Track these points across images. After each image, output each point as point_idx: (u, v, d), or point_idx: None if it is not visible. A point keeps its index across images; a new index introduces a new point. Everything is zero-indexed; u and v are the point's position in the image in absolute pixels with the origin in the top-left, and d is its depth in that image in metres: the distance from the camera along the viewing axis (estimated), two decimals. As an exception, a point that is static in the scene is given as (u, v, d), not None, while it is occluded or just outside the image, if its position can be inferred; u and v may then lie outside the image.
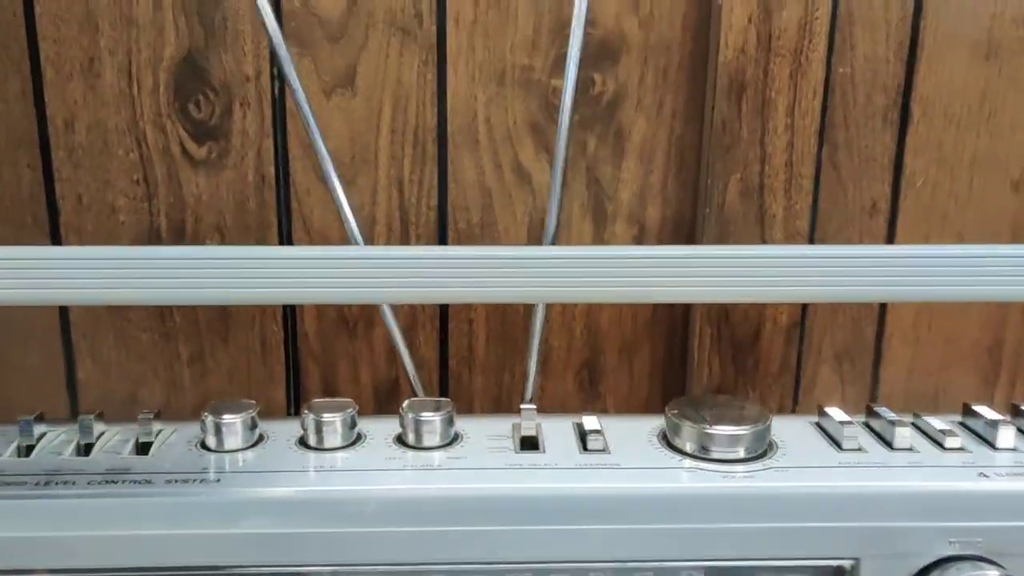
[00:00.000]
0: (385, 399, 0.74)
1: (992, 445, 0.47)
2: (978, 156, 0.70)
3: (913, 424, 0.50)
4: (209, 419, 0.46)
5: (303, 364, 0.73)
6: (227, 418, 0.46)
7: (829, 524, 0.41)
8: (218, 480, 0.43)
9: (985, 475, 0.44)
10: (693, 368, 0.73)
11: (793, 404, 0.75)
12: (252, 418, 0.47)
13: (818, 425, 0.50)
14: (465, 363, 0.74)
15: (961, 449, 0.47)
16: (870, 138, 0.69)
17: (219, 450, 0.46)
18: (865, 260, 0.45)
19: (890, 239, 0.73)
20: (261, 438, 0.48)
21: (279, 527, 0.41)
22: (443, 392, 0.74)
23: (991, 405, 0.75)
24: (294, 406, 0.75)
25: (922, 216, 0.72)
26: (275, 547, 0.41)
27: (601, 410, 0.74)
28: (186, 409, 0.73)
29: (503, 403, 0.75)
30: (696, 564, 0.42)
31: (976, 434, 0.49)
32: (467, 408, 0.75)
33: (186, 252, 0.41)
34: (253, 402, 0.48)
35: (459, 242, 0.71)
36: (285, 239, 0.70)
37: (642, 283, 0.45)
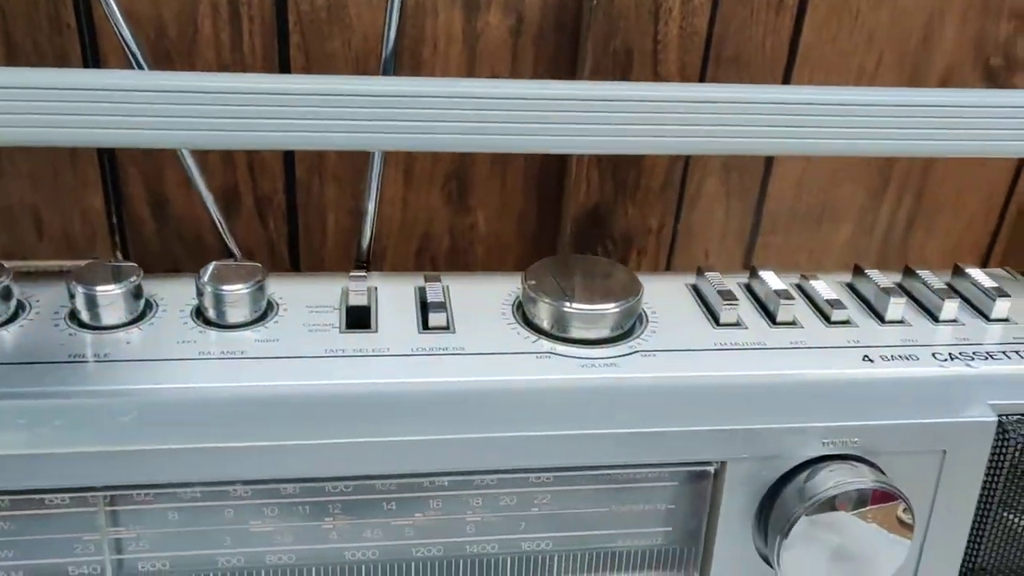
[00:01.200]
0: (225, 209, 0.64)
1: (880, 318, 0.41)
2: (900, -51, 0.60)
3: (798, 287, 0.43)
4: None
5: (121, 166, 0.62)
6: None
7: (694, 423, 0.35)
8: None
9: (869, 358, 0.39)
10: (570, 182, 0.65)
11: (675, 221, 0.68)
12: (6, 287, 0.37)
13: (695, 290, 0.43)
14: (315, 169, 0.64)
15: (847, 323, 0.41)
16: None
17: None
18: (767, 107, 0.37)
19: (795, 38, 0.64)
20: (20, 309, 0.38)
21: (10, 448, 0.32)
22: (290, 205, 0.65)
23: (875, 221, 0.71)
24: (115, 215, 0.64)
25: (832, 13, 0.63)
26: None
27: (471, 225, 0.67)
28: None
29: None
30: (543, 472, 0.36)
31: (866, 302, 0.43)
32: (318, 229, 0.65)
33: None
34: None
35: (301, 32, 0.59)
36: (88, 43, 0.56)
37: (506, 129, 0.35)
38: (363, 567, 0.36)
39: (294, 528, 0.35)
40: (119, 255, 0.65)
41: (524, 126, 0.36)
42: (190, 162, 0.46)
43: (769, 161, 0.68)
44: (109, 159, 0.61)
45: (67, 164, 0.61)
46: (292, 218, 0.66)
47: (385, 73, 0.43)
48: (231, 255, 0.65)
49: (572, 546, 0.37)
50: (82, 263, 0.63)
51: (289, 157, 0.63)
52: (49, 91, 0.34)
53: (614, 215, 0.67)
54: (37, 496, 0.33)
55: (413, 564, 0.37)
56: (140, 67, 0.43)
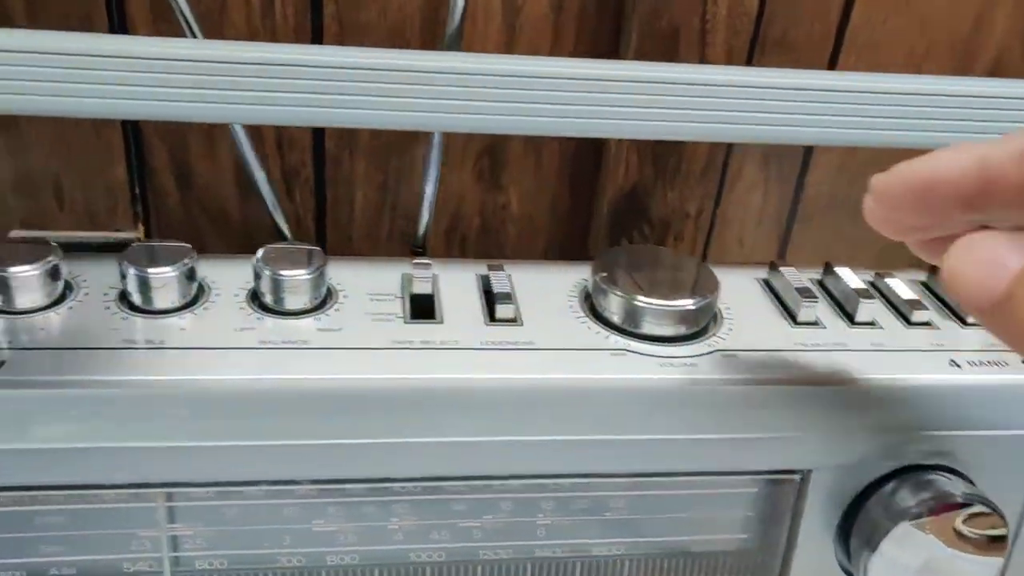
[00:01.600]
0: (246, 188, 0.62)
1: (962, 320, 0.40)
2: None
3: (873, 285, 0.42)
4: None
5: (145, 138, 0.59)
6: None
7: (780, 429, 0.34)
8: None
9: (956, 363, 0.37)
10: (608, 164, 0.63)
11: (714, 207, 0.66)
12: (55, 267, 0.35)
13: (767, 284, 0.41)
14: (345, 144, 0.62)
15: (928, 324, 0.39)
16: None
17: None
18: (816, 94, 0.35)
19: (844, 21, 0.62)
20: (68, 288, 0.36)
21: (68, 440, 0.30)
22: (319, 179, 0.62)
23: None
24: (139, 186, 0.61)
25: (885, -10, 0.61)
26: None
27: (503, 205, 0.65)
28: (0, 191, 0.59)
29: (391, 193, 0.63)
30: (619, 478, 0.34)
31: (943, 303, 0.41)
32: (346, 203, 0.63)
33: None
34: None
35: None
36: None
37: (552, 111, 0.34)
38: (428, 569, 0.35)
39: (358, 528, 0.34)
40: (141, 227, 0.62)
41: (581, 108, 0.35)
42: (243, 139, 0.44)
43: (809, 147, 0.66)
44: (133, 128, 0.59)
45: (90, 133, 0.58)
46: (320, 192, 0.63)
47: (449, 49, 0.41)
48: (260, 232, 0.62)
49: (644, 552, 0.35)
50: (111, 235, 0.60)
51: (319, 131, 0.61)
52: (94, 58, 0.32)
53: (652, 199, 0.64)
54: (93, 491, 0.31)
55: (480, 567, 0.35)
56: (193, 34, 0.41)
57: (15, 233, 0.61)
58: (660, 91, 0.35)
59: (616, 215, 0.65)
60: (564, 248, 0.68)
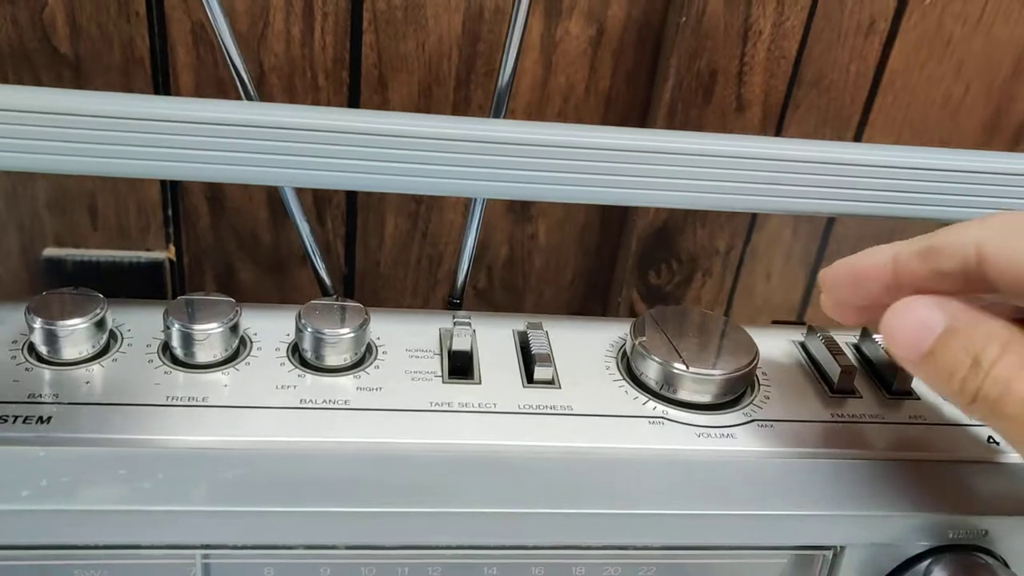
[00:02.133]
0: (278, 212, 0.62)
1: (999, 392, 0.39)
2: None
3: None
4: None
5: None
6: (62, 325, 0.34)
7: (815, 505, 0.34)
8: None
9: (994, 440, 0.37)
10: (639, 199, 0.63)
11: (744, 244, 0.66)
12: (102, 319, 0.35)
13: (803, 348, 0.41)
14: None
15: (964, 396, 0.39)
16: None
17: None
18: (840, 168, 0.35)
19: (882, 63, 0.61)
20: (112, 339, 0.36)
21: (112, 502, 0.30)
22: (350, 204, 0.62)
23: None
24: (171, 207, 0.62)
25: (924, 40, 0.61)
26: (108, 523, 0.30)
27: (531, 235, 0.65)
28: (36, 208, 0.60)
29: (422, 220, 0.63)
30: (654, 550, 0.34)
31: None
32: (377, 229, 0.63)
33: None
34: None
35: (375, 31, 0.56)
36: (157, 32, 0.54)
37: (589, 180, 0.34)
38: (459, 630, 0.35)
39: (391, 589, 0.34)
40: (172, 247, 0.63)
41: (613, 178, 0.35)
42: (291, 198, 0.44)
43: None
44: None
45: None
46: (351, 218, 0.64)
47: (496, 114, 0.41)
48: (290, 256, 0.63)
49: (674, 619, 0.36)
50: (143, 254, 0.61)
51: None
52: (143, 122, 0.32)
53: (683, 234, 0.64)
54: (133, 550, 0.31)
55: (510, 630, 0.35)
56: (248, 96, 0.41)
57: (48, 251, 0.62)
58: (691, 163, 0.35)
59: (645, 250, 0.65)
60: (589, 281, 0.68)
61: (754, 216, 0.64)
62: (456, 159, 0.33)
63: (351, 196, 0.62)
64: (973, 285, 0.30)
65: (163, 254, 0.63)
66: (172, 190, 0.61)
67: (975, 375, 0.28)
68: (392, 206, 0.63)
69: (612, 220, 0.65)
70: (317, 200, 0.62)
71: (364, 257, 0.65)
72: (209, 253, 0.64)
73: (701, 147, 0.36)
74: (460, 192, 0.34)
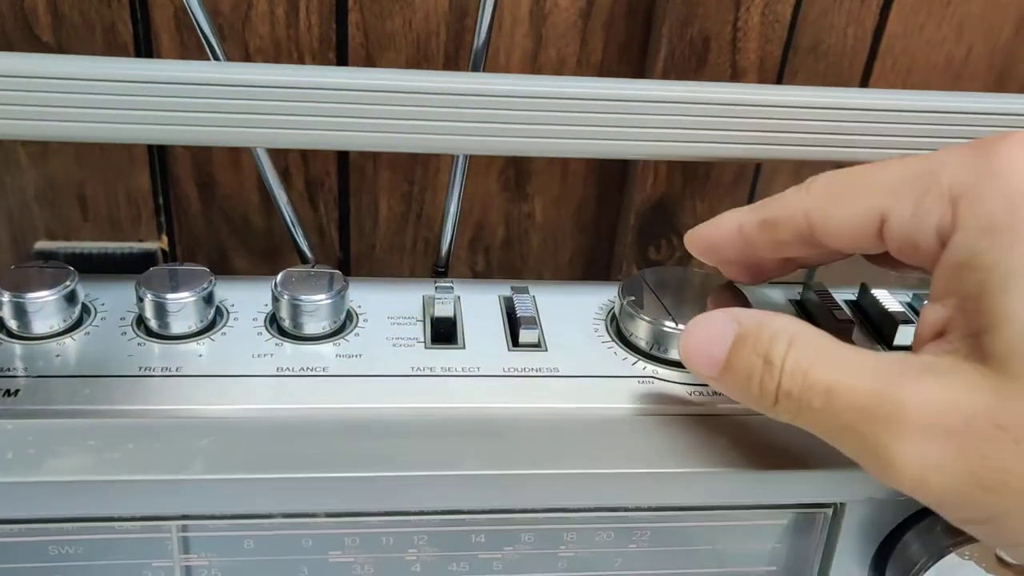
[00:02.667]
0: (269, 198, 0.61)
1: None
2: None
3: (911, 307, 0.40)
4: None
5: (169, 148, 0.59)
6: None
7: (812, 462, 0.32)
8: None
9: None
10: (636, 172, 0.62)
11: (743, 216, 0.65)
12: (72, 292, 0.34)
13: (800, 306, 0.40)
14: (369, 153, 0.61)
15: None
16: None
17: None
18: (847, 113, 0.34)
19: (880, 26, 0.60)
20: (85, 314, 0.35)
21: (81, 473, 0.29)
22: (342, 188, 0.61)
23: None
24: (162, 196, 0.61)
25: (922, 2, 0.59)
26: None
27: (527, 214, 0.64)
28: (25, 200, 0.59)
29: (416, 202, 0.63)
30: (646, 512, 0.33)
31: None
32: (370, 212, 0.62)
33: None
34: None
35: (360, 9, 0.55)
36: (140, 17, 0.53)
37: (579, 132, 0.33)
38: (447, 601, 0.34)
39: (375, 559, 0.33)
40: (164, 237, 0.62)
41: (607, 129, 0.34)
42: (265, 161, 0.43)
43: (844, 157, 0.64)
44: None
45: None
46: (343, 201, 0.63)
47: (475, 68, 0.40)
48: (283, 241, 0.62)
49: (670, 585, 0.34)
50: (135, 245, 0.60)
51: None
52: (114, 83, 0.31)
53: (681, 209, 0.63)
54: (106, 523, 0.30)
55: (500, 599, 0.34)
56: (216, 57, 0.40)
57: (40, 244, 0.61)
58: (688, 111, 0.34)
59: (643, 225, 0.64)
60: (589, 259, 0.67)
61: (753, 187, 0.63)
62: (439, 113, 0.32)
63: (343, 178, 0.61)
64: (813, 248, 0.31)
65: (155, 244, 0.63)
66: (162, 178, 0.60)
67: (770, 374, 0.28)
68: (385, 188, 0.62)
69: (609, 196, 0.64)
70: (309, 184, 0.62)
71: (359, 240, 0.64)
72: (202, 241, 0.63)
73: (693, 95, 0.35)
74: (444, 149, 0.33)
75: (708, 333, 0.31)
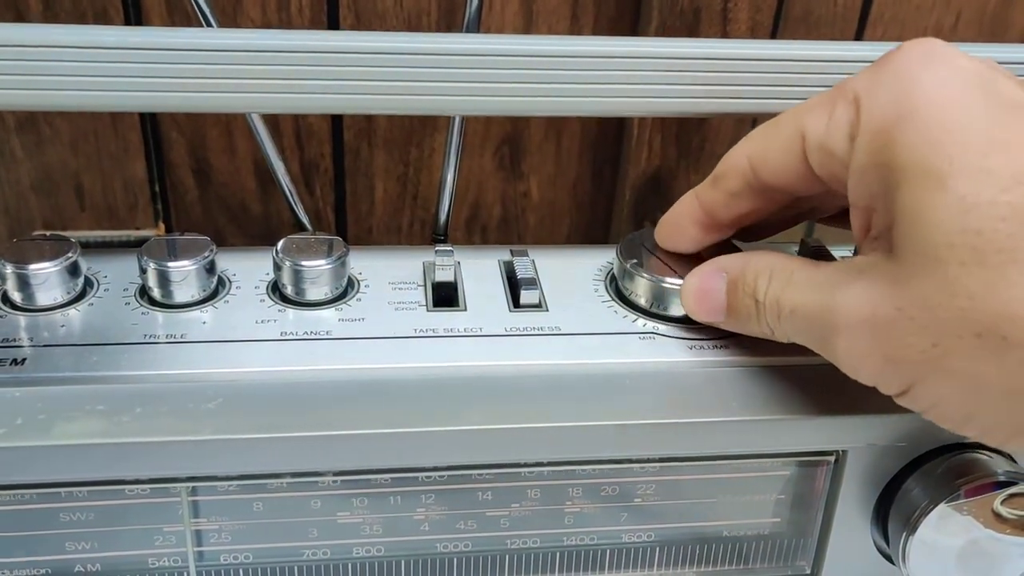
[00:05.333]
0: (266, 182, 0.61)
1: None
2: None
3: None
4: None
5: (164, 133, 0.59)
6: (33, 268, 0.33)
7: (814, 410, 0.33)
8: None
9: (995, 340, 0.36)
10: (631, 146, 0.62)
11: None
12: (75, 263, 0.35)
13: (798, 262, 0.40)
14: (364, 135, 0.61)
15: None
16: None
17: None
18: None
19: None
20: (88, 286, 0.36)
21: (90, 436, 0.29)
22: (338, 171, 0.62)
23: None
24: (158, 183, 0.61)
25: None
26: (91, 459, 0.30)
27: (523, 193, 0.64)
28: (21, 191, 0.60)
29: (411, 183, 0.63)
30: (649, 463, 0.33)
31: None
32: (366, 195, 0.63)
33: None
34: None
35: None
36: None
37: (573, 90, 0.33)
38: (455, 559, 0.34)
39: (383, 519, 0.33)
40: (161, 225, 0.62)
41: (602, 87, 0.34)
42: (261, 129, 0.43)
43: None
44: (152, 124, 0.59)
45: (109, 130, 0.58)
46: (339, 184, 0.63)
47: (468, 31, 0.40)
48: (280, 226, 0.62)
49: (675, 538, 0.35)
50: (132, 233, 0.60)
51: (337, 122, 0.61)
52: (107, 51, 0.31)
53: (676, 182, 0.64)
54: (117, 487, 0.31)
55: (507, 556, 0.34)
56: (208, 23, 0.40)
57: (37, 235, 0.62)
58: (683, 67, 0.34)
59: (639, 199, 0.64)
60: (586, 235, 0.67)
61: (748, 157, 0.63)
62: (433, 74, 0.32)
63: (338, 161, 0.62)
64: (763, 195, 0.33)
65: (153, 232, 0.63)
66: (158, 165, 0.60)
67: (761, 312, 0.31)
68: (380, 170, 0.63)
69: (604, 172, 0.65)
70: (304, 168, 0.62)
71: (355, 223, 0.65)
72: (199, 228, 0.63)
73: (687, 51, 0.35)
74: (439, 110, 0.33)
75: (703, 285, 0.34)
